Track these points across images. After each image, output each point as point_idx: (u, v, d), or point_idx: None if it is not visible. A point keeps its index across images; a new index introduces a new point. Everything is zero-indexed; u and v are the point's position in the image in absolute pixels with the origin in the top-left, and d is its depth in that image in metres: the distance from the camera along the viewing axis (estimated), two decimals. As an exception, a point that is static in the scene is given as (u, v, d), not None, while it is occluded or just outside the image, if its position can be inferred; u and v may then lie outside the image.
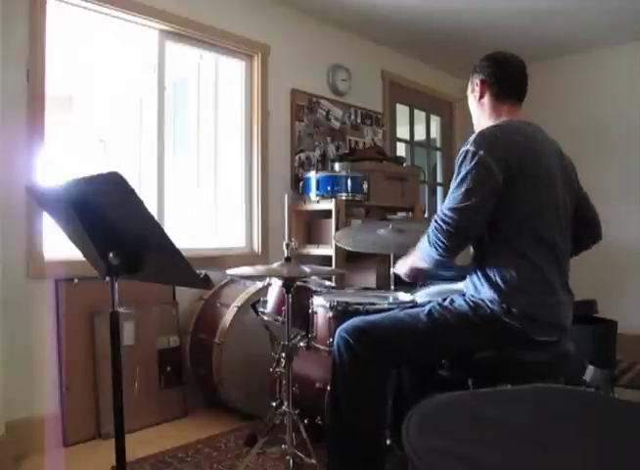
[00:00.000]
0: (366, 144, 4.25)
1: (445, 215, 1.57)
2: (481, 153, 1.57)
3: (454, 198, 1.58)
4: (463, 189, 1.57)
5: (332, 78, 4.00)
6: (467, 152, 1.60)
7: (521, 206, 1.61)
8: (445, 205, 1.61)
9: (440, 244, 1.58)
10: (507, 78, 1.81)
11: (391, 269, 1.99)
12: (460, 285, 1.90)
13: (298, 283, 2.23)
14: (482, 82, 1.80)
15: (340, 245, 2.52)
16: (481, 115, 1.84)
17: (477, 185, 1.56)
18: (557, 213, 1.69)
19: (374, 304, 2.08)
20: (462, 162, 1.61)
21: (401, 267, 1.91)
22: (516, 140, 1.64)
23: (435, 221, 1.60)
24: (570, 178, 1.77)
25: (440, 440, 0.80)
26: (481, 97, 1.81)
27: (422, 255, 1.71)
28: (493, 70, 1.80)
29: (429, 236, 1.63)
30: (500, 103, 1.79)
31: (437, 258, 1.63)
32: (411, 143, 4.94)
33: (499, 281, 1.62)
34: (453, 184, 1.62)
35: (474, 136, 1.64)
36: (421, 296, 2.15)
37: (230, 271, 2.06)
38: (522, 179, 1.60)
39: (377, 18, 3.88)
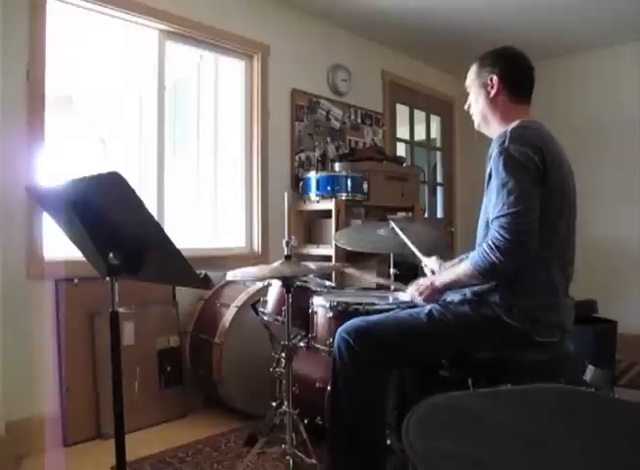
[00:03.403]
0: (366, 144, 4.25)
1: (501, 224, 1.50)
2: (519, 146, 1.53)
3: (507, 204, 1.51)
4: (514, 194, 1.50)
5: (332, 78, 4.00)
6: (505, 149, 1.55)
7: (546, 214, 1.57)
8: (497, 212, 1.53)
9: (504, 250, 1.49)
10: (523, 79, 1.76)
11: (405, 296, 1.85)
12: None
13: (298, 283, 2.22)
14: (500, 79, 1.72)
15: (340, 245, 2.52)
16: (491, 113, 1.76)
17: (524, 186, 1.50)
18: (571, 218, 1.69)
19: (374, 304, 2.08)
20: (502, 161, 1.54)
21: (418, 291, 1.75)
22: (547, 141, 1.62)
23: (496, 231, 1.51)
24: (574, 181, 1.76)
25: (440, 440, 0.80)
26: (497, 94, 1.73)
27: (473, 269, 1.57)
28: (511, 68, 1.73)
29: (486, 250, 1.52)
30: (514, 104, 1.73)
31: (498, 265, 1.51)
32: (411, 143, 4.94)
33: (506, 281, 1.60)
34: (497, 183, 1.55)
35: (508, 132, 1.58)
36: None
37: (230, 273, 2.02)
38: (551, 181, 1.57)
39: (377, 18, 3.88)
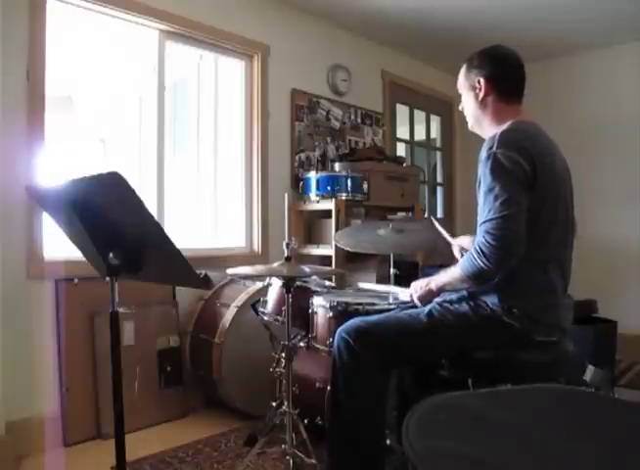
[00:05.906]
0: (366, 144, 4.25)
1: (487, 229, 1.51)
2: (507, 151, 1.53)
3: (493, 209, 1.51)
4: (500, 200, 1.50)
5: (332, 78, 4.01)
6: (493, 154, 1.54)
7: (540, 216, 1.57)
8: (484, 217, 1.53)
9: (490, 255, 1.49)
10: (511, 78, 1.74)
11: (406, 296, 1.86)
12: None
13: (298, 283, 2.22)
14: (487, 81, 1.71)
15: (340, 245, 2.52)
16: (482, 114, 1.75)
17: (511, 191, 1.50)
18: (567, 218, 1.68)
19: (374, 304, 2.08)
20: (490, 165, 1.54)
21: (415, 291, 1.79)
22: (536, 142, 1.60)
23: (482, 236, 1.52)
24: (570, 180, 1.76)
25: (440, 440, 0.80)
26: (486, 96, 1.72)
27: (462, 274, 1.60)
28: (497, 69, 1.72)
29: (473, 255, 1.54)
30: (504, 104, 1.72)
31: (486, 270, 1.52)
32: (411, 143, 4.94)
33: (504, 283, 1.60)
34: (484, 188, 1.56)
35: (497, 136, 1.57)
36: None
37: (230, 271, 2.05)
38: (543, 183, 1.56)
39: (377, 18, 3.88)
